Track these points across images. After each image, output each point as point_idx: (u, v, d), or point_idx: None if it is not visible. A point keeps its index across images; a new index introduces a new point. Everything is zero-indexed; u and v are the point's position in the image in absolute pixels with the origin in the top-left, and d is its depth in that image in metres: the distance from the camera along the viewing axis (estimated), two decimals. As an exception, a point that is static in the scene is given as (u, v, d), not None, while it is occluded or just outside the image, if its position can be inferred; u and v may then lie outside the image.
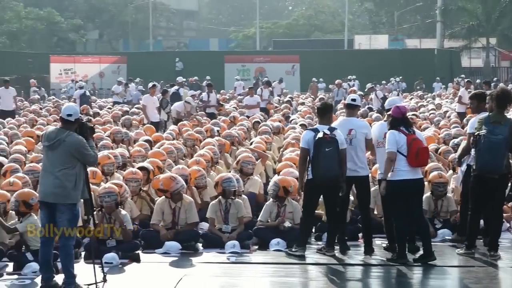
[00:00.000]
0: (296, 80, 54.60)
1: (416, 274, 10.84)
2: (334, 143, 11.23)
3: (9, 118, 25.41)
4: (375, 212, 12.69)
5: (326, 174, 11.20)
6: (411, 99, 37.45)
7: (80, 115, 10.10)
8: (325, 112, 11.79)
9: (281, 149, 17.94)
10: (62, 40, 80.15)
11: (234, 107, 31.06)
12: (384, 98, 28.09)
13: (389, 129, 11.12)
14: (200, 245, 12.14)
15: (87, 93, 36.49)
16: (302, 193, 11.79)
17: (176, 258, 11.61)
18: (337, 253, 11.64)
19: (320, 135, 11.27)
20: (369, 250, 11.74)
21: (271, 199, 12.63)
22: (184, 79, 38.58)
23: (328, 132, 11.30)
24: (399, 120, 11.07)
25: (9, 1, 79.91)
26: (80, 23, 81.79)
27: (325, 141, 11.22)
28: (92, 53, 69.59)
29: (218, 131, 20.05)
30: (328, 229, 11.84)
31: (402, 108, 11.23)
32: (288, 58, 57.80)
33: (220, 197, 12.58)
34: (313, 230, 12.53)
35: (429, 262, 10.97)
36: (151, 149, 16.56)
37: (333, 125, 11.67)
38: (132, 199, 12.96)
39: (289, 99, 34.59)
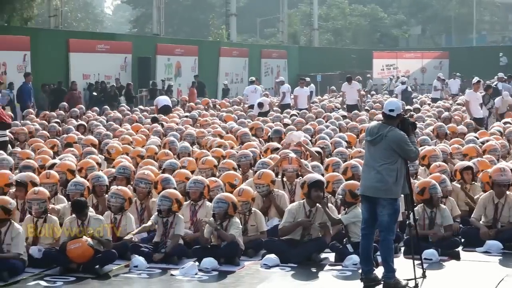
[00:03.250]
0: None
1: None
2: None
3: (356, 111, 26.43)
4: None
5: None
6: None
7: (401, 110, 10.12)
8: None
9: None
10: (385, 36, 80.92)
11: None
12: None
13: None
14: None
15: (409, 89, 36.68)
16: None
17: (498, 258, 11.28)
18: None
19: None
20: None
21: None
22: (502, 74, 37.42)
23: None
24: None
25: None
26: (403, 19, 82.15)
27: None
28: (414, 48, 69.57)
29: None
30: None
31: None
32: None
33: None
34: None
35: None
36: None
37: None
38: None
39: None
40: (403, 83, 37.82)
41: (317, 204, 11.31)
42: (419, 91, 48.26)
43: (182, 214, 11.86)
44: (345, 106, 29.66)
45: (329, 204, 11.64)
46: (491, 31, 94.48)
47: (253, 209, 11.88)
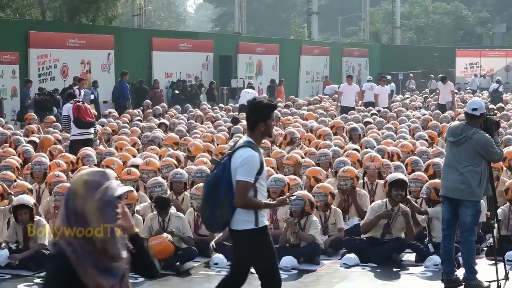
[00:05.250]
0: None
1: None
2: None
3: (438, 111, 26.18)
4: None
5: None
6: None
7: (484, 109, 9.97)
8: None
9: None
10: (468, 34, 79.75)
11: None
12: None
13: None
14: None
15: (500, 89, 36.28)
16: None
17: None
18: None
19: None
20: None
21: None
22: None
23: None
24: None
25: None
26: (487, 17, 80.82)
27: None
28: (498, 46, 68.41)
29: None
30: None
31: None
32: None
33: None
34: None
35: None
36: None
37: None
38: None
39: None
40: (498, 81, 37.44)
41: (400, 204, 11.21)
42: (504, 90, 47.42)
43: (262, 212, 11.90)
44: (434, 106, 29.12)
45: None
46: None
47: (332, 206, 11.85)
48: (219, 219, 7.32)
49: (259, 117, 7.35)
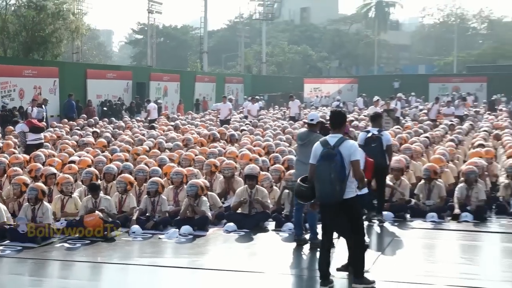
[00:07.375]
0: (483, 95, 51.85)
1: None
2: (379, 141, 11.08)
3: (291, 121, 26.27)
4: None
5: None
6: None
7: (319, 119, 10.25)
8: (375, 119, 11.67)
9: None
10: (313, 67, 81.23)
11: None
12: None
13: None
14: (408, 216, 11.83)
15: (341, 105, 37.46)
16: None
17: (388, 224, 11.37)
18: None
19: (369, 134, 11.21)
20: None
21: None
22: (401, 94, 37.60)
23: (376, 133, 11.19)
24: None
25: (278, 41, 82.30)
26: (325, 55, 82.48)
27: (372, 139, 11.10)
28: (333, 76, 70.03)
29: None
30: (378, 200, 11.36)
31: None
32: (477, 79, 55.14)
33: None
34: None
35: None
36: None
37: None
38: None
39: (478, 109, 32.78)
40: (338, 100, 38.48)
41: (257, 187, 11.37)
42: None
43: (168, 195, 11.82)
44: (288, 117, 29.49)
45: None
46: (387, 64, 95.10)
47: (209, 193, 11.77)
48: (344, 191, 7.35)
49: (343, 121, 7.78)
